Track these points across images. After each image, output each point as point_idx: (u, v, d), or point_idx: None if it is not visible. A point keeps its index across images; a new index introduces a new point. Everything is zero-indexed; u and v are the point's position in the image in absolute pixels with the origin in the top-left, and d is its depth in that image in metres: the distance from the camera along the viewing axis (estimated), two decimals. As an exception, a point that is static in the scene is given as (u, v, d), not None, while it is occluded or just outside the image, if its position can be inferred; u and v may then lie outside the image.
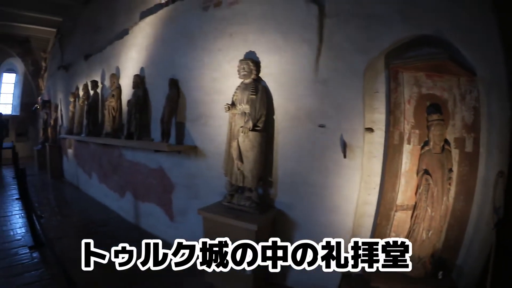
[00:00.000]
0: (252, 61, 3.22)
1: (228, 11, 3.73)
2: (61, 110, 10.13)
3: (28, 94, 15.94)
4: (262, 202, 3.24)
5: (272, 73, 3.25)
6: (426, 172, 2.60)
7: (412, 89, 2.70)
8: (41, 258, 4.15)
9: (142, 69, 5.17)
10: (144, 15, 5.50)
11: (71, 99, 8.35)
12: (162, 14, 4.87)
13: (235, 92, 3.31)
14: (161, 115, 4.28)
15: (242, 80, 3.30)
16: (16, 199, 7.22)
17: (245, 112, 3.15)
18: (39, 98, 14.10)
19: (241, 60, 3.27)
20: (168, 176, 4.59)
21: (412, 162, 2.69)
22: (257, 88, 3.14)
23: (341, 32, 2.83)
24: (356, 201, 2.78)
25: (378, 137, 2.79)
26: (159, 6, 5.14)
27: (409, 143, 2.70)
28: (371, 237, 2.72)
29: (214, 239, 2.59)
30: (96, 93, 6.70)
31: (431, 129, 2.61)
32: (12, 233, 5.03)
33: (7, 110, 15.87)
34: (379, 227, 2.72)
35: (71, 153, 8.93)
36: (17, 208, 6.52)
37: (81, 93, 7.71)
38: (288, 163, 3.17)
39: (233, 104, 3.28)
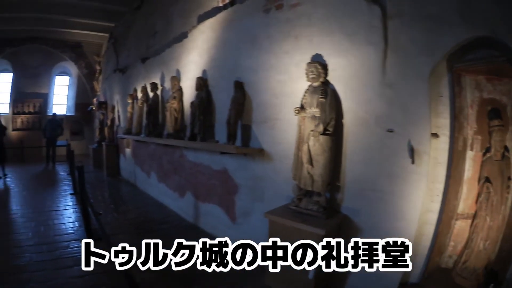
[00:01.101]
0: (320, 64, 3.17)
1: (290, 13, 3.71)
2: (118, 111, 10.53)
3: (82, 96, 16.72)
4: (329, 206, 3.18)
5: (340, 76, 3.19)
6: (487, 180, 2.50)
7: (474, 93, 2.60)
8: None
9: (204, 71, 5.24)
10: (202, 18, 5.60)
11: (129, 101, 8.64)
12: (222, 17, 4.91)
13: (304, 95, 3.27)
14: (227, 117, 4.30)
15: (311, 83, 3.26)
16: (70, 194, 7.58)
17: (315, 116, 3.11)
18: (95, 99, 14.74)
19: (309, 63, 3.22)
20: (233, 177, 4.61)
21: (474, 169, 2.61)
22: (326, 91, 3.10)
23: (405, 34, 2.74)
24: (420, 209, 2.70)
25: (443, 143, 2.69)
26: (217, 10, 5.20)
27: (471, 149, 2.62)
28: (432, 246, 2.65)
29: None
30: (156, 94, 6.90)
31: (493, 135, 2.50)
32: (64, 227, 5.22)
33: (61, 110, 16.70)
34: (440, 236, 2.65)
35: (129, 152, 9.27)
36: (70, 203, 6.82)
37: (139, 94, 7.97)
38: (356, 168, 3.11)
39: (302, 108, 3.24)
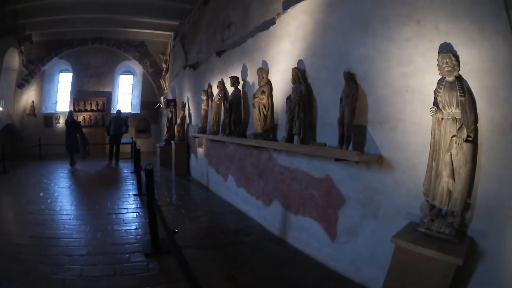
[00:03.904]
0: (453, 54, 2.63)
1: (408, -7, 3.06)
2: (188, 108, 10.30)
3: (148, 94, 17.22)
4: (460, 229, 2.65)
5: (472, 70, 2.63)
6: None
7: None
8: (161, 270, 3.63)
9: (300, 61, 4.54)
10: (290, 3, 4.88)
11: (203, 97, 8.26)
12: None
13: (438, 92, 2.71)
14: (339, 115, 3.58)
15: (444, 77, 2.68)
16: (134, 195, 7.22)
17: (455, 118, 2.59)
18: (162, 97, 14.83)
19: (442, 53, 2.66)
20: (338, 188, 3.90)
21: None
22: (463, 88, 2.58)
23: None
24: None
25: None
26: (312, -9, 4.48)
27: None
28: None
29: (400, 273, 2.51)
30: (237, 89, 6.30)
31: None
32: (124, 234, 4.67)
33: (126, 108, 17.20)
34: None
35: (202, 152, 8.88)
36: (134, 206, 6.38)
37: (215, 90, 7.52)
38: (489, 183, 2.56)
39: (437, 107, 2.70)
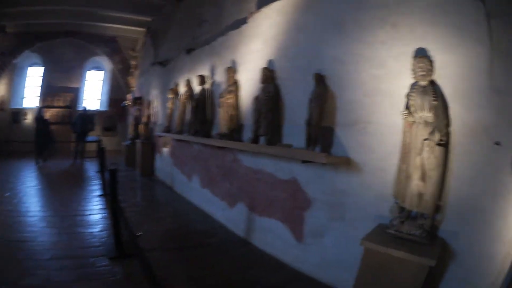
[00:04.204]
0: (428, 59, 2.69)
1: (385, -3, 3.10)
2: (155, 107, 10.07)
3: (116, 91, 16.67)
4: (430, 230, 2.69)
5: (447, 75, 2.69)
6: None
7: None
8: (125, 274, 3.53)
9: (270, 61, 4.47)
10: (264, 2, 4.80)
11: (170, 96, 8.06)
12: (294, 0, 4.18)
13: (410, 96, 2.74)
14: (307, 116, 3.54)
15: (417, 81, 2.73)
16: (99, 196, 7.00)
17: (427, 121, 2.62)
18: (129, 95, 14.46)
19: (418, 58, 2.72)
20: (304, 190, 3.86)
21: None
22: (436, 93, 2.64)
23: (507, 36, 2.42)
24: None
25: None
26: (287, -9, 4.44)
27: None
28: None
29: (370, 276, 2.52)
30: (204, 89, 6.16)
31: None
32: (89, 237, 4.54)
33: (94, 105, 16.64)
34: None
35: (167, 151, 8.67)
36: (99, 207, 6.19)
37: (182, 89, 7.33)
38: (459, 185, 2.65)
39: (409, 110, 2.74)
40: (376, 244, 2.61)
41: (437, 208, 2.72)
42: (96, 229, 4.90)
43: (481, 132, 2.56)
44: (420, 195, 2.65)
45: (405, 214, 2.76)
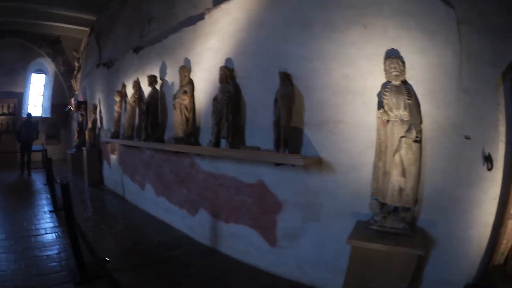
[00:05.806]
0: (401, 60, 2.84)
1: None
2: (100, 111, 9.45)
3: (59, 96, 15.55)
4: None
5: (418, 76, 2.86)
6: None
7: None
8: None
9: (229, 60, 4.23)
10: (220, -1, 4.58)
11: (117, 99, 7.52)
12: (259, -4, 4.02)
13: (384, 95, 2.86)
14: (275, 117, 3.43)
15: (390, 81, 2.86)
16: (50, 211, 6.37)
17: (403, 120, 2.77)
18: (72, 99, 13.56)
19: (391, 58, 2.84)
20: (273, 193, 3.76)
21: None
22: (410, 92, 2.80)
23: (475, 41, 2.66)
24: (494, 214, 2.64)
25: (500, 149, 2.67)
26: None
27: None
28: (490, 247, 2.65)
29: (360, 272, 2.65)
30: (155, 90, 5.75)
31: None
32: (47, 261, 4.05)
33: (37, 112, 15.52)
34: (496, 237, 2.65)
35: (115, 159, 8.11)
36: (52, 224, 5.59)
37: (130, 91, 6.85)
38: (434, 177, 2.86)
39: (383, 109, 2.88)
40: (363, 241, 2.71)
41: (415, 200, 2.86)
42: (54, 251, 4.37)
43: (451, 128, 2.75)
44: (400, 190, 2.75)
45: (386, 210, 2.86)
